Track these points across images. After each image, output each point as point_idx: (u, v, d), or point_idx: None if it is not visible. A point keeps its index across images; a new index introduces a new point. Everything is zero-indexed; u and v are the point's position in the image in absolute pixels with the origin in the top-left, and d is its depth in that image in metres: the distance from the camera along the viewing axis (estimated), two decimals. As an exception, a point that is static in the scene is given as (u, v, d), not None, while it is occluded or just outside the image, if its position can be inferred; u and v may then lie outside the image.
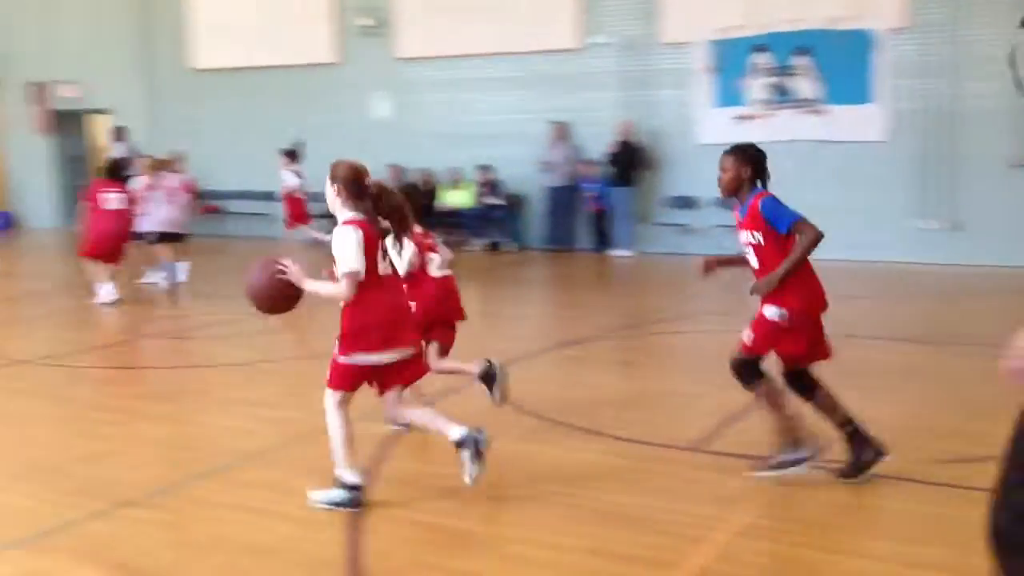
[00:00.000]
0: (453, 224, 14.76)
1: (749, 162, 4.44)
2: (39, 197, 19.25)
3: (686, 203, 13.53)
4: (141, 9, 18.06)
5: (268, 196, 17.15)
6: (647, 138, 13.71)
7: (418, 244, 5.20)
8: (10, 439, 5.61)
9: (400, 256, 4.72)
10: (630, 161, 13.53)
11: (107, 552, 3.89)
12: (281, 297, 4.31)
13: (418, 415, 4.52)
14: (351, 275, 4.08)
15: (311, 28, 16.58)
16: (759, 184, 4.46)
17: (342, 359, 4.20)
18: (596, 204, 13.93)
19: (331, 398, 4.24)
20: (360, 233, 4.17)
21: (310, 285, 4.22)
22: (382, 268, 4.27)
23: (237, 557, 3.86)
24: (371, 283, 4.16)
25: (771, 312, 4.33)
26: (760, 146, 4.54)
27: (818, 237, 4.24)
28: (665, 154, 13.80)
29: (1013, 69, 11.14)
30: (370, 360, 4.18)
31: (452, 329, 5.47)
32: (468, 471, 4.22)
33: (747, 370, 4.42)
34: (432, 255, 5.41)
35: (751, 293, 4.41)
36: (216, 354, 7.98)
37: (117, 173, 10.66)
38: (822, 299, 4.40)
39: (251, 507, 4.36)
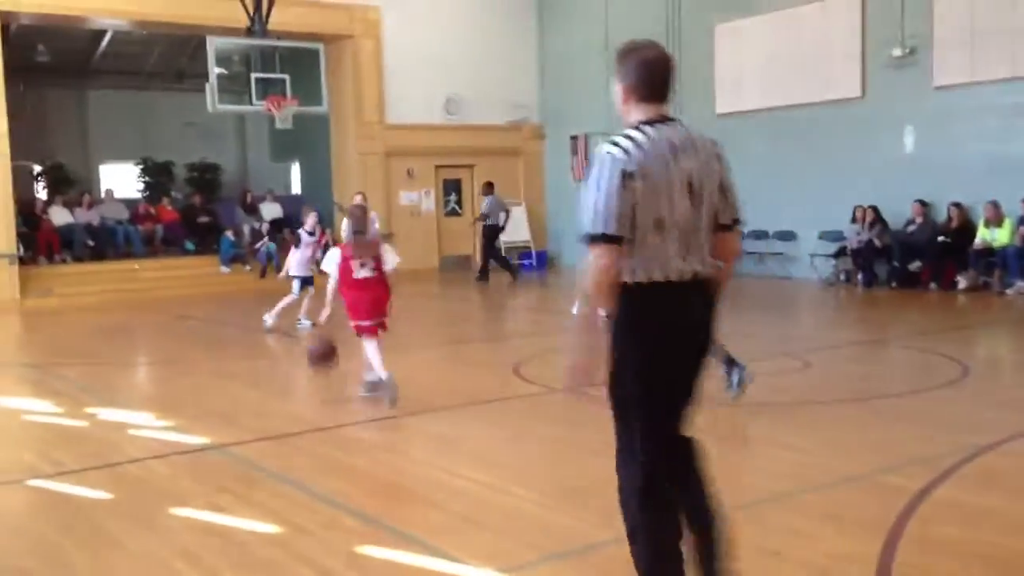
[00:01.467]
0: (990, 264, 13.38)
1: None
2: (573, 239, 21.16)
3: None
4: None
5: (790, 236, 17.08)
6: None
7: None
8: (544, 460, 6.12)
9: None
10: None
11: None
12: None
13: None
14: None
15: (836, 64, 16.18)
16: None
17: None
18: None
19: None
20: None
21: None
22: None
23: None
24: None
25: None
26: None
27: None
28: None
29: None
30: None
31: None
32: None
33: None
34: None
35: None
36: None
37: None
38: None
39: (767, 548, 4.24)
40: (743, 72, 17.74)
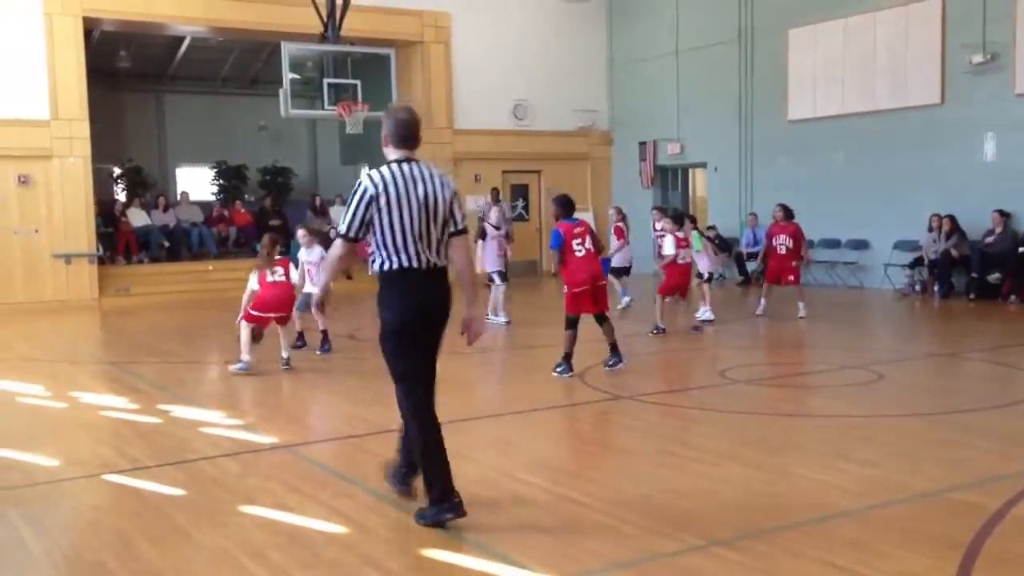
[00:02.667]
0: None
1: None
2: (642, 245, 21.01)
3: None
4: (741, 70, 18.86)
5: (863, 245, 16.80)
6: None
7: None
8: (611, 468, 6.09)
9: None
10: None
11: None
12: None
13: None
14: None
15: (915, 70, 15.85)
16: None
17: None
18: None
19: None
20: None
21: None
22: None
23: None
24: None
25: None
26: None
27: None
28: None
29: None
30: None
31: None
32: None
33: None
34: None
35: None
36: (812, 405, 7.90)
37: (680, 222, 12.16)
38: None
39: (838, 564, 4.16)
40: (817, 77, 17.45)
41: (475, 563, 4.28)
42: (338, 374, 9.64)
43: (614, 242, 14.33)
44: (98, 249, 17.43)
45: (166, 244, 19.68)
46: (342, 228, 4.72)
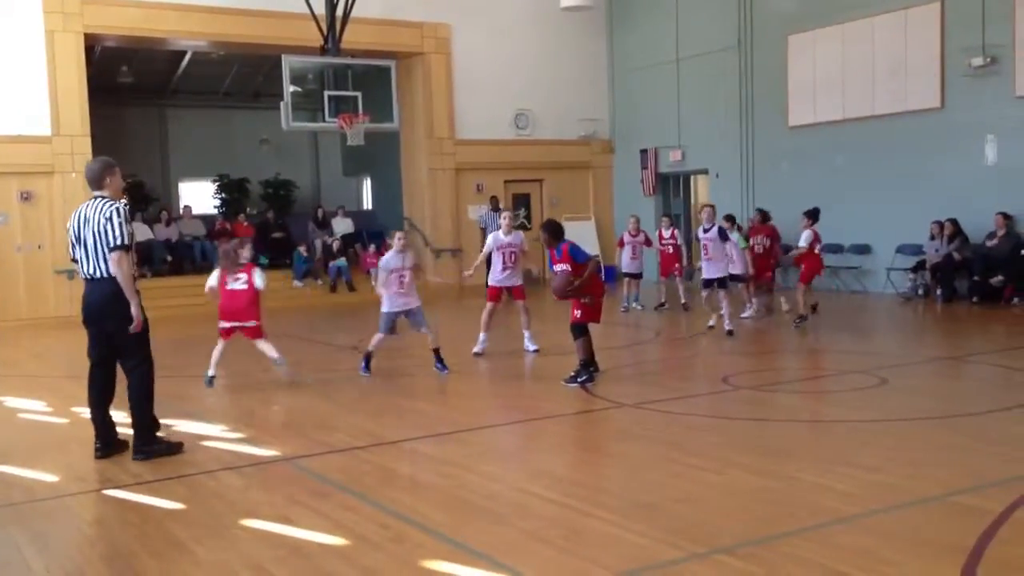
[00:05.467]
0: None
1: None
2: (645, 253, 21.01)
3: None
4: (742, 77, 18.88)
5: (865, 250, 16.79)
6: None
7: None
8: (615, 477, 6.08)
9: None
10: None
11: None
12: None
13: None
14: None
15: (914, 75, 15.86)
16: None
17: None
18: None
19: None
20: None
21: None
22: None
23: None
24: None
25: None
26: None
27: None
28: None
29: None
30: None
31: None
32: None
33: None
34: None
35: None
36: (815, 410, 7.88)
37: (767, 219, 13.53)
38: None
39: (841, 570, 4.13)
40: (817, 83, 17.46)
41: (479, 575, 4.27)
42: (340, 385, 9.64)
43: (626, 251, 15.14)
44: (101, 264, 17.43)
45: (169, 258, 19.71)
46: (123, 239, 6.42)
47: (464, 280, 12.97)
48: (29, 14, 16.49)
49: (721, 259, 12.29)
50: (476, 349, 10.82)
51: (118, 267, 6.36)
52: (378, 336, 9.77)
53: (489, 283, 11.12)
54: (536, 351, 10.88)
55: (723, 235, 12.34)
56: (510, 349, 11.10)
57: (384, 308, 9.68)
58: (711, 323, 12.45)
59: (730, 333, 11.90)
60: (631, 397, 8.27)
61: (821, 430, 7.04)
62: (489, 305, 10.92)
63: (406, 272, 9.65)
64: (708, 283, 12.41)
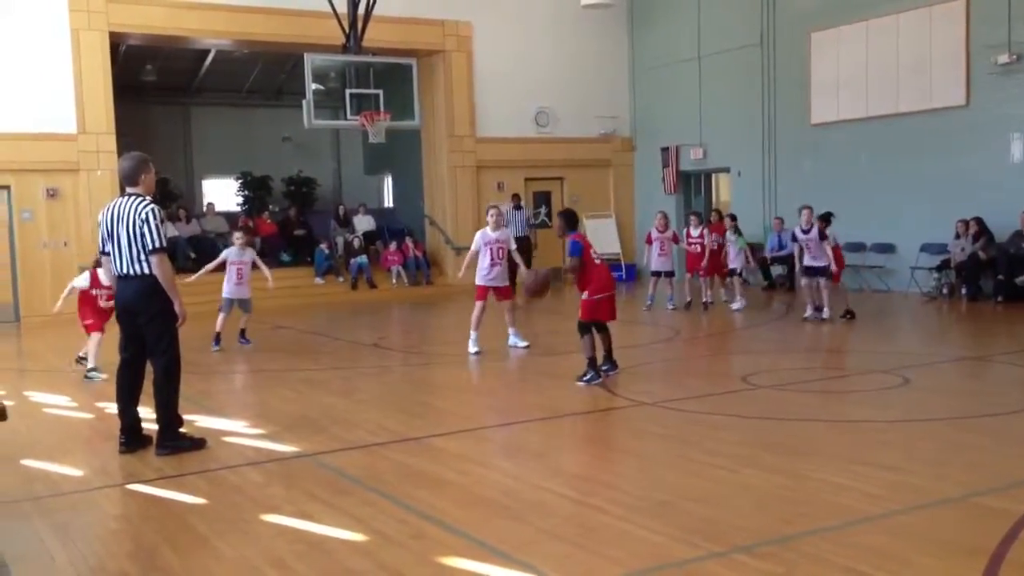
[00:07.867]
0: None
1: None
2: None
3: None
4: (764, 74, 18.79)
5: (889, 249, 16.68)
6: None
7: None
8: (633, 476, 6.07)
9: None
10: None
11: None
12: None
13: None
14: None
15: (939, 72, 15.73)
16: None
17: None
18: None
19: None
20: None
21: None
22: None
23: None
24: None
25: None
26: None
27: None
28: None
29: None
30: None
31: None
32: None
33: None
34: None
35: None
36: (835, 410, 7.84)
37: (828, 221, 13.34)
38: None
39: (860, 571, 4.11)
40: (840, 81, 17.35)
41: (497, 571, 4.28)
42: (361, 382, 9.68)
43: (654, 248, 15.10)
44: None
45: (192, 255, 19.84)
46: (162, 242, 6.58)
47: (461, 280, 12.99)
48: (55, 12, 16.66)
49: (821, 255, 12.88)
50: (472, 349, 10.88)
51: (159, 269, 6.49)
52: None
53: (477, 282, 11.09)
54: (527, 347, 11.03)
55: (821, 235, 12.89)
56: (534, 347, 11.11)
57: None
58: (807, 314, 13.14)
59: (827, 319, 12.83)
60: (651, 395, 8.27)
61: (842, 429, 7.00)
62: (479, 304, 10.97)
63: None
64: (810, 272, 13.06)
